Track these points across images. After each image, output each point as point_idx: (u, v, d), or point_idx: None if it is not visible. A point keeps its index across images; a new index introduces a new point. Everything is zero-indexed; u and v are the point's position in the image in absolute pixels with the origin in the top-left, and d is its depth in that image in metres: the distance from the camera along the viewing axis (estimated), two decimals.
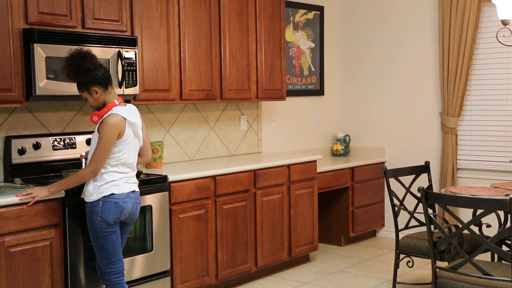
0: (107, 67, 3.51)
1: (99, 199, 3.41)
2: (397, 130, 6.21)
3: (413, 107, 6.07)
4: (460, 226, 3.42)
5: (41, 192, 3.40)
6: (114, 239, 3.47)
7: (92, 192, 3.41)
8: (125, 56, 4.03)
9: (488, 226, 4.13)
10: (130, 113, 3.48)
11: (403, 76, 6.14)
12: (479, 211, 3.90)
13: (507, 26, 4.21)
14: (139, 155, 3.66)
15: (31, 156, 3.92)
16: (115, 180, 3.44)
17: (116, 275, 3.51)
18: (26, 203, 3.35)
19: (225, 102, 5.32)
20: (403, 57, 6.12)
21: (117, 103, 3.46)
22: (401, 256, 4.36)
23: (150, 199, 4.00)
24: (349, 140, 6.47)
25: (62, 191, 3.49)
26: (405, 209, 4.40)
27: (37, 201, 3.39)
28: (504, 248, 4.21)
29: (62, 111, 4.20)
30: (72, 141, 4.13)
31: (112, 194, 3.42)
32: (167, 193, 4.11)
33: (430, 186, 4.71)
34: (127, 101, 4.08)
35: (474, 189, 4.13)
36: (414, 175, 4.67)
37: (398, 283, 4.55)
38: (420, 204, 4.33)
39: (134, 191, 3.55)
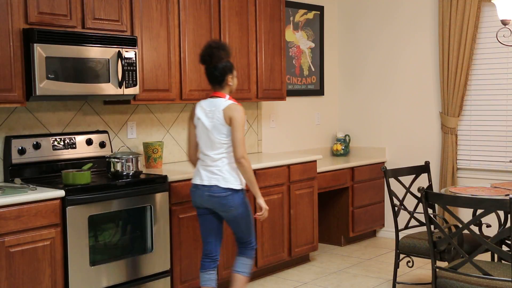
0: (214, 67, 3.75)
1: None
2: (397, 130, 6.21)
3: (413, 107, 6.07)
4: (460, 226, 3.42)
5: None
6: (200, 221, 3.84)
7: None
8: (125, 56, 4.04)
9: (488, 226, 4.12)
10: (207, 104, 3.74)
11: (403, 76, 6.14)
12: (479, 211, 3.90)
13: (507, 26, 4.21)
14: None
15: (31, 156, 3.92)
16: (196, 169, 3.83)
17: (203, 256, 3.85)
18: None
19: None
20: (403, 57, 6.12)
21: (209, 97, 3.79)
22: (401, 256, 4.36)
23: (150, 199, 4.00)
24: (349, 140, 6.47)
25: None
26: (405, 209, 4.40)
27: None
28: (504, 248, 4.21)
29: (62, 111, 4.20)
30: (72, 141, 4.13)
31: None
32: (167, 193, 4.11)
33: (430, 186, 4.70)
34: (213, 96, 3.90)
35: (474, 189, 4.12)
36: (414, 175, 4.67)
37: (398, 283, 4.55)
38: (420, 204, 4.33)
39: (203, 185, 3.72)
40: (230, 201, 3.69)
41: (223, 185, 3.68)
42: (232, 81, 3.79)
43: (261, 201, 3.76)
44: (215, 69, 3.72)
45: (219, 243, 3.87)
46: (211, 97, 3.77)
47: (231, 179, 3.70)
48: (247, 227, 3.82)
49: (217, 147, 3.69)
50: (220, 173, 3.69)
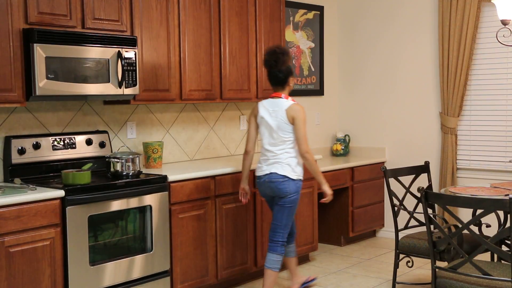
0: (272, 70, 4.18)
1: None
2: (397, 130, 6.21)
3: (413, 107, 6.07)
4: (460, 226, 3.42)
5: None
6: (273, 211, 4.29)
7: None
8: (125, 56, 4.04)
9: (488, 226, 4.13)
10: (269, 104, 4.17)
11: (403, 76, 6.14)
12: (478, 211, 3.90)
13: (507, 26, 4.21)
14: None
15: (31, 156, 3.92)
16: (258, 163, 4.27)
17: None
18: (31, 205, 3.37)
19: (225, 102, 5.32)
20: (403, 57, 6.13)
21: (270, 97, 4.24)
22: (401, 256, 4.36)
23: (150, 199, 4.00)
24: (349, 140, 6.47)
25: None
26: (405, 209, 4.40)
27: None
28: (504, 248, 4.21)
29: (62, 111, 4.20)
30: (72, 141, 4.14)
31: None
32: (167, 193, 4.11)
33: (430, 186, 4.71)
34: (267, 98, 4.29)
35: (474, 189, 4.13)
36: (414, 175, 4.67)
37: (398, 283, 4.55)
38: (420, 204, 4.33)
39: (265, 174, 4.15)
40: (286, 187, 4.11)
41: (281, 172, 4.11)
42: (292, 82, 4.25)
43: (326, 187, 4.26)
44: (280, 72, 4.17)
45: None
46: (272, 97, 4.21)
47: (289, 169, 4.12)
48: (288, 218, 4.21)
49: (280, 144, 4.13)
50: (279, 163, 4.12)
